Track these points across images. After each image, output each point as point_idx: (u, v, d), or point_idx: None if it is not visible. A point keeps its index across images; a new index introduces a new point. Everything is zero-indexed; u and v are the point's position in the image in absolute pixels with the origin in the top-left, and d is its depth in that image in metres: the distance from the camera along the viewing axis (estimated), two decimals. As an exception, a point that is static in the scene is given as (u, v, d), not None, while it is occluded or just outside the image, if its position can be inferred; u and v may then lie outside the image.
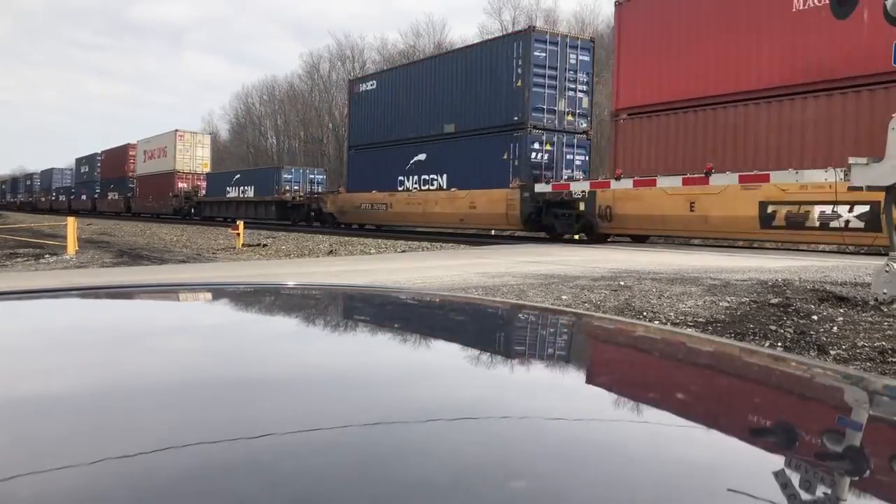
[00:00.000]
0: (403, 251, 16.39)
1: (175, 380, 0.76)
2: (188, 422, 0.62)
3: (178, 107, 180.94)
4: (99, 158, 68.18)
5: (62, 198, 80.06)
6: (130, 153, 58.50)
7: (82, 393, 0.71)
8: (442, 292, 2.16)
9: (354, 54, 73.19)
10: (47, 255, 14.29)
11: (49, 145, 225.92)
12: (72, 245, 14.79)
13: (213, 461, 0.54)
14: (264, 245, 18.82)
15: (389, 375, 0.83)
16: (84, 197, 71.17)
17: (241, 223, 19.01)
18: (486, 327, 1.28)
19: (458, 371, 0.88)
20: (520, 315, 1.42)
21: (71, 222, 15.25)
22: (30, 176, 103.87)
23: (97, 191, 67.32)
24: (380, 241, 20.28)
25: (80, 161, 76.37)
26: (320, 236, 23.42)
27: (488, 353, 1.01)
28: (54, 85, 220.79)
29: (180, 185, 49.44)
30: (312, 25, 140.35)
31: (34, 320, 1.15)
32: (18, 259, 13.70)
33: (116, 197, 60.51)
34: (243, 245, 18.05)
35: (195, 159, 50.77)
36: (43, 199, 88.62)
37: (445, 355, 0.99)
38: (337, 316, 1.33)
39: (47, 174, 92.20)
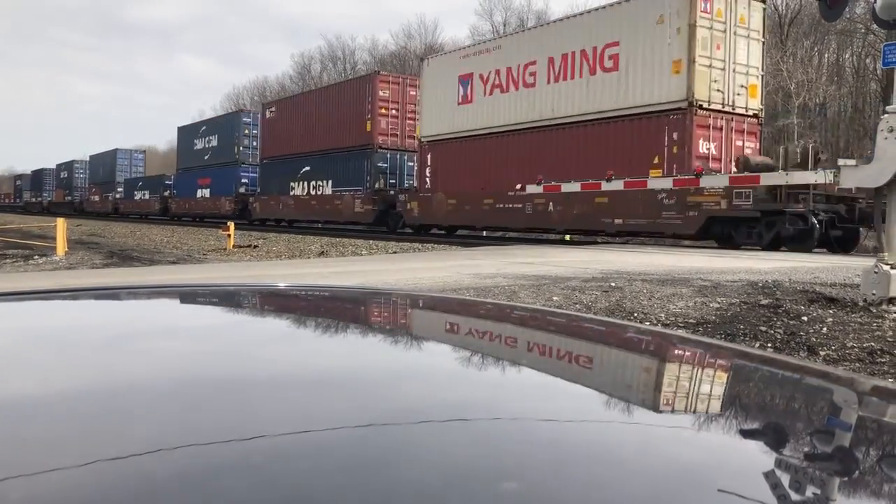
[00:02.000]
0: (395, 252, 16.38)
1: (166, 381, 0.76)
2: (180, 423, 0.62)
3: (170, 107, 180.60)
4: (250, 119, 35.41)
5: (141, 195, 48.55)
6: (382, 91, 26.23)
7: (72, 395, 0.71)
8: (433, 293, 2.16)
9: (346, 55, 73.24)
10: (36, 256, 14.20)
11: (40, 145, 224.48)
12: (61, 246, 14.70)
13: (205, 463, 0.54)
14: (255, 246, 18.75)
15: (381, 377, 0.83)
16: (206, 192, 37.37)
17: (231, 223, 18.93)
18: (477, 329, 1.28)
19: (450, 372, 0.88)
20: (511, 316, 1.42)
21: (60, 223, 15.16)
22: (67, 165, 71.23)
23: (243, 182, 34.85)
24: (371, 242, 20.25)
25: (187, 132, 41.66)
26: (312, 237, 23.35)
27: (479, 355, 1.01)
28: (45, 85, 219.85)
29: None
30: (303, 27, 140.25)
31: (23, 322, 1.14)
32: (7, 260, 13.61)
33: (327, 191, 28.48)
34: (234, 246, 17.99)
35: (733, 72, 16.67)
36: (96, 198, 59.27)
37: (437, 356, 0.99)
38: (328, 317, 1.33)
39: (104, 160, 59.86)
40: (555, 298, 6.26)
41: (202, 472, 0.52)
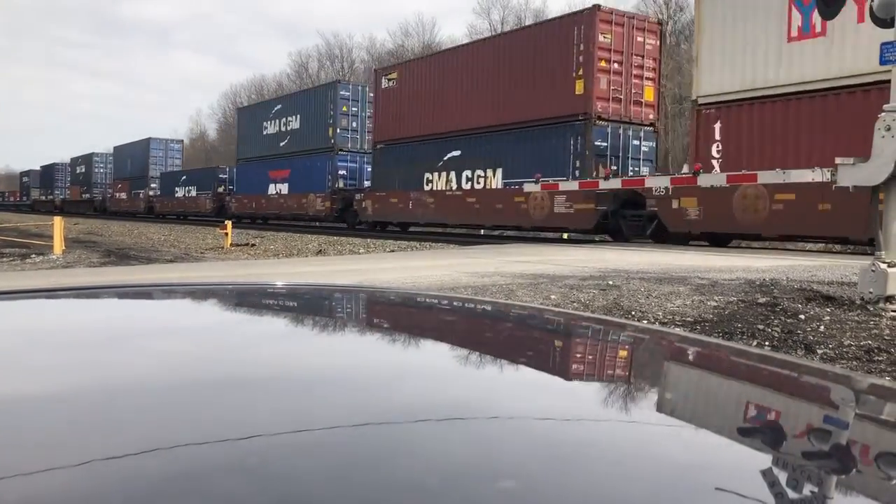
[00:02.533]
0: (392, 251, 16.38)
1: (162, 381, 0.76)
2: (176, 423, 0.62)
3: (166, 106, 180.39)
4: (349, 93, 26.99)
5: (185, 191, 38.94)
6: (603, 36, 17.45)
7: (68, 394, 0.70)
8: (431, 292, 2.16)
9: (343, 53, 73.40)
10: (34, 255, 14.18)
11: (34, 145, 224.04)
12: (58, 245, 14.68)
13: (201, 462, 0.53)
14: (252, 245, 18.74)
15: (378, 376, 0.83)
16: (283, 187, 29.16)
17: (228, 222, 18.92)
18: (475, 327, 1.28)
19: (447, 371, 0.88)
20: (508, 315, 1.41)
21: (57, 221, 15.14)
22: (85, 159, 60.36)
23: (341, 174, 26.62)
24: (368, 240, 20.24)
25: (251, 113, 33.17)
26: (309, 236, 23.32)
27: (477, 353, 1.00)
28: (40, 83, 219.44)
29: None
30: (301, 25, 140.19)
31: (19, 320, 1.14)
32: (4, 259, 13.59)
33: (495, 185, 20.00)
34: (231, 245, 17.97)
35: None
36: (123, 196, 50.12)
37: (434, 355, 0.99)
38: (325, 316, 1.33)
39: (133, 151, 50.26)
40: (552, 297, 6.27)
41: (198, 471, 0.52)
